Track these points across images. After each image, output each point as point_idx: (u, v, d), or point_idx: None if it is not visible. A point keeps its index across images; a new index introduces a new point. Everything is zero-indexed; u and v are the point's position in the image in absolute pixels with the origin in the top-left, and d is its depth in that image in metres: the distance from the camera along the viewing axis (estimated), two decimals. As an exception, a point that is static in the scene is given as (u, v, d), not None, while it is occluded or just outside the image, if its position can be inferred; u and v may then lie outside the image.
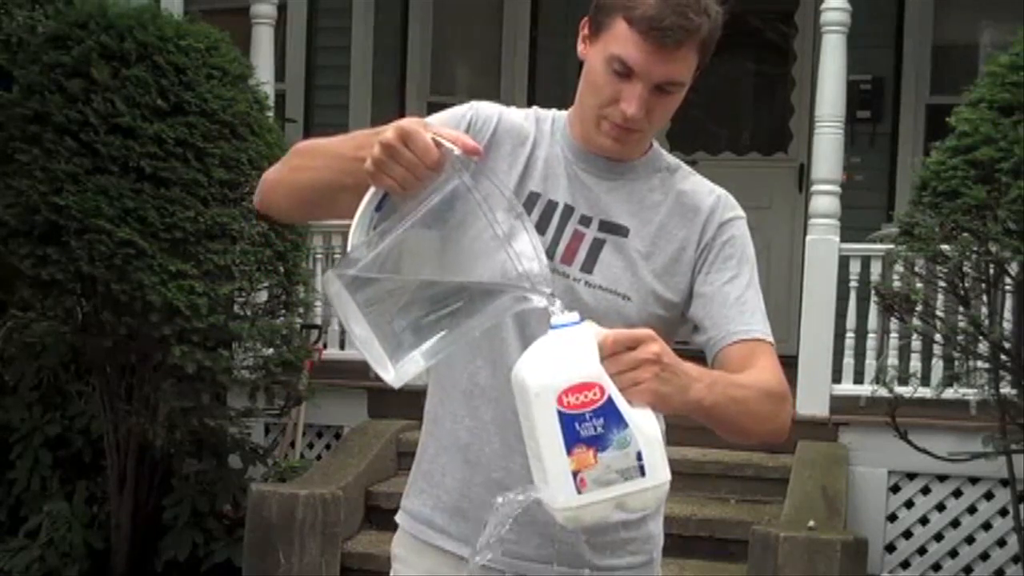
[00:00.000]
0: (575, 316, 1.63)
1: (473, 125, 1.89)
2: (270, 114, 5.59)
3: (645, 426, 1.59)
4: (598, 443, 1.56)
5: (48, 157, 4.82)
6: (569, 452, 1.56)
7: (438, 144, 1.66)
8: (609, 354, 1.57)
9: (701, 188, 1.95)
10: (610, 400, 1.57)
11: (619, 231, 1.88)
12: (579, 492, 1.57)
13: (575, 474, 1.56)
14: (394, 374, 1.65)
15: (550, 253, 1.83)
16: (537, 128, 1.94)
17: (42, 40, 5.15)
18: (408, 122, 1.68)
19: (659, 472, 1.59)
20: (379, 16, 8.01)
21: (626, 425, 1.57)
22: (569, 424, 1.56)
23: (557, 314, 1.62)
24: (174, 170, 4.86)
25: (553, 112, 1.97)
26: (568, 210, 1.88)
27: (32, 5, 5.58)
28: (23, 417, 5.64)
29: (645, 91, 1.79)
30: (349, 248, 1.69)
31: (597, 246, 1.87)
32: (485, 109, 1.93)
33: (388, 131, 1.66)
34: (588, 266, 1.86)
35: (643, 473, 1.58)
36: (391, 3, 8.09)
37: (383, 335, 1.64)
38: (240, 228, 4.98)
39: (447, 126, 1.78)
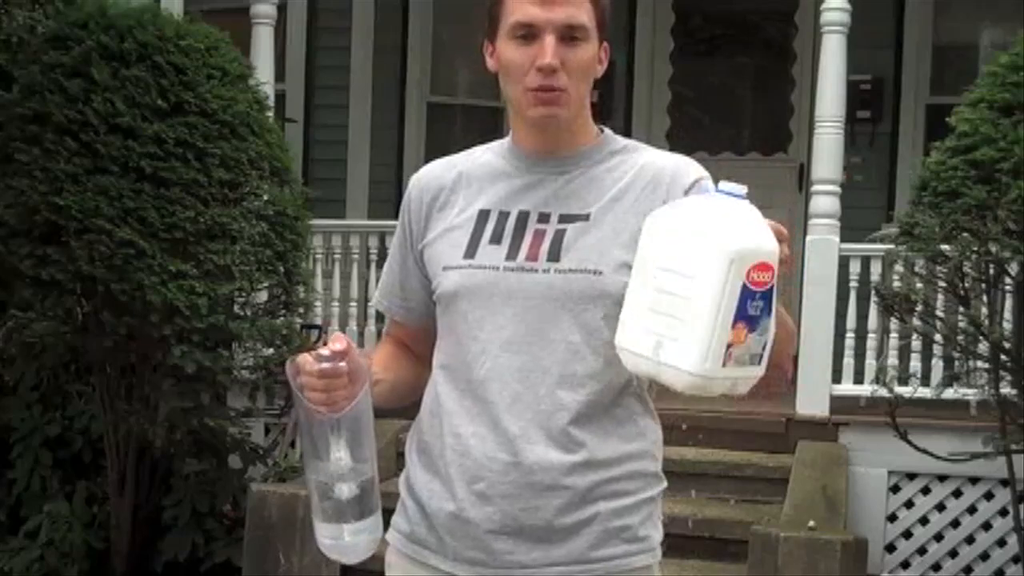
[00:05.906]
0: (744, 188, 1.62)
1: (411, 201, 2.05)
2: (270, 114, 5.59)
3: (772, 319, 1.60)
4: (752, 324, 1.56)
5: (48, 157, 4.82)
6: (733, 325, 1.55)
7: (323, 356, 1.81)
8: None
9: (660, 158, 1.99)
10: (774, 286, 1.57)
11: (580, 218, 1.92)
12: (723, 365, 1.56)
13: (728, 346, 1.55)
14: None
15: (511, 255, 1.91)
16: (470, 160, 2.05)
17: (42, 40, 5.14)
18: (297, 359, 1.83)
19: (764, 365, 1.60)
20: (379, 16, 8.01)
21: (771, 313, 1.58)
22: (744, 299, 1.55)
23: (725, 182, 1.62)
24: (174, 170, 4.85)
25: (491, 143, 2.08)
26: (523, 215, 1.94)
27: (32, 5, 5.57)
28: (23, 417, 5.64)
29: (554, 39, 1.88)
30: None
31: (559, 237, 1.91)
32: (413, 184, 2.07)
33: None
34: (554, 256, 1.90)
35: (759, 363, 1.59)
36: (391, 3, 8.09)
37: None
38: (240, 228, 4.98)
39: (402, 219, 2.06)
